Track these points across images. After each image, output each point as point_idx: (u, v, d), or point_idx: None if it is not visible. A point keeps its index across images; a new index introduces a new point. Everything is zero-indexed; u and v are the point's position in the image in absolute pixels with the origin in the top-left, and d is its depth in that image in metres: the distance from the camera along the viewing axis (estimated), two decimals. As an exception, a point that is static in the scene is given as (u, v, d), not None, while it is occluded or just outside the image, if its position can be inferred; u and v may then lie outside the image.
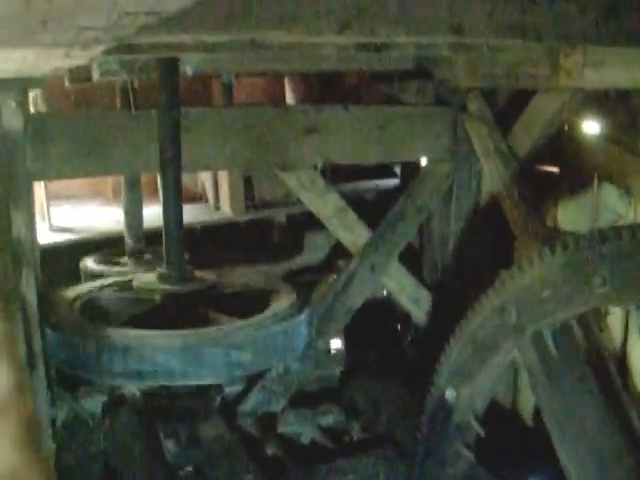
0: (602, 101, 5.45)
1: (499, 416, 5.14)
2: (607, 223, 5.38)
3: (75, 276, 6.54)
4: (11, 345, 1.11)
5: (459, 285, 6.45)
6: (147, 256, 6.72)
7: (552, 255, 4.22)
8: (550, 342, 4.32)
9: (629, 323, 5.35)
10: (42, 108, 7.67)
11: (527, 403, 5.92)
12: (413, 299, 6.76)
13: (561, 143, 5.96)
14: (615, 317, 5.38)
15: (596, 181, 5.55)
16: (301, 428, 6.01)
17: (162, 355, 4.14)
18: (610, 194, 5.49)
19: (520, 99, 5.87)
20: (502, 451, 5.16)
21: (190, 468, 5.09)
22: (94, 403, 5.25)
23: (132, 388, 4.73)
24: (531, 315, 4.38)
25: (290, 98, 10.67)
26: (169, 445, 5.22)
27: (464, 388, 4.85)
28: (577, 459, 4.15)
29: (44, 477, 1.04)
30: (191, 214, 8.53)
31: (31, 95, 6.19)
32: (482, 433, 4.62)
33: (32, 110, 6.54)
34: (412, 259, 6.96)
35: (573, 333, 4.28)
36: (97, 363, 4.18)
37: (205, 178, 10.55)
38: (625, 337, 5.40)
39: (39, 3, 1.52)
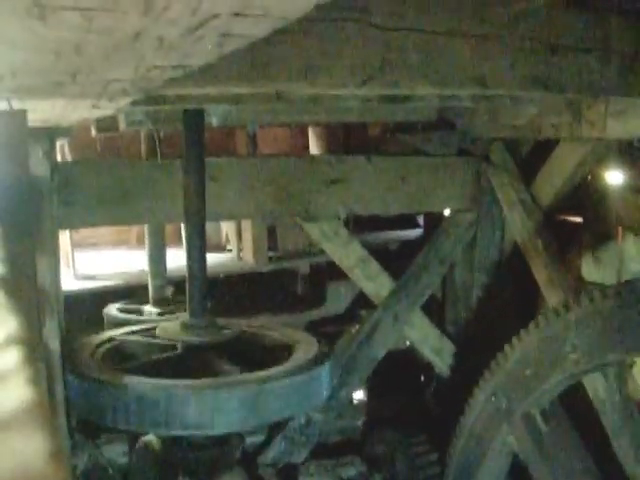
0: (625, 151, 5.46)
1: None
2: (631, 274, 5.36)
3: (98, 323, 6.55)
4: (49, 409, 1.10)
5: (482, 336, 6.40)
6: (171, 305, 6.73)
7: (528, 335, 4.43)
8: (539, 420, 4.46)
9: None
10: (69, 157, 7.77)
11: None
12: (436, 350, 6.71)
13: (584, 193, 5.95)
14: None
15: (620, 232, 5.53)
16: (322, 479, 5.95)
17: (178, 405, 4.11)
18: (634, 245, 5.47)
19: (543, 149, 5.88)
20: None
21: (210, 520, 5.05)
22: (114, 450, 5.23)
23: (151, 437, 4.70)
24: (518, 396, 4.56)
25: (314, 148, 10.75)
26: (190, 495, 5.18)
27: None
28: None
29: None
30: (214, 263, 8.55)
31: (58, 144, 6.29)
32: None
33: (59, 158, 6.64)
34: (435, 310, 6.93)
35: (561, 409, 4.41)
36: (115, 411, 4.17)
37: (228, 227, 10.60)
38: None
39: (69, 56, 1.56)
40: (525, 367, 4.54)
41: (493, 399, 4.76)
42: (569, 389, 4.62)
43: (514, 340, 4.66)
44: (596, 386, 4.16)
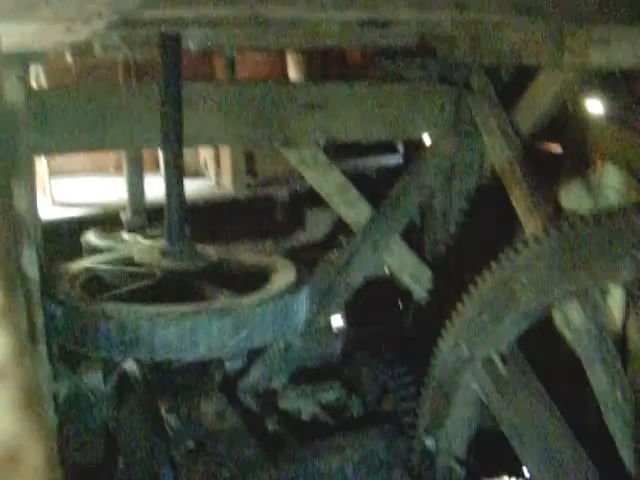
0: (606, 81, 5.43)
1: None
2: (609, 203, 5.40)
3: (77, 251, 6.53)
4: (11, 313, 1.11)
5: (461, 263, 6.45)
6: (149, 231, 6.71)
7: (483, 281, 4.50)
8: (499, 364, 4.55)
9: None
10: (44, 83, 7.64)
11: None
12: (414, 277, 6.76)
13: (565, 122, 5.94)
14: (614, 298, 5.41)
15: (599, 161, 5.54)
16: (301, 404, 6.04)
17: (159, 330, 4.13)
18: (612, 174, 5.48)
19: (524, 77, 5.84)
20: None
21: (191, 443, 5.12)
22: (95, 378, 5.27)
23: (132, 364, 4.74)
24: (478, 342, 4.64)
25: (292, 75, 10.63)
26: (170, 420, 5.25)
27: (440, 434, 5.04)
28: (537, 465, 4.35)
29: (44, 441, 1.04)
30: (192, 189, 8.52)
31: (33, 70, 6.17)
32: (464, 474, 4.71)
33: (34, 85, 6.52)
34: (414, 237, 6.96)
35: (520, 353, 4.53)
36: (96, 337, 4.19)
37: (206, 154, 10.54)
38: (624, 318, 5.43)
39: (40, -23, 1.51)
40: (482, 312, 4.64)
41: (455, 348, 4.86)
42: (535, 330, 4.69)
43: (470, 288, 4.73)
44: (571, 316, 4.21)
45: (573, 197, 5.88)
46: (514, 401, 4.53)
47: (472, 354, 4.72)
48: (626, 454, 3.85)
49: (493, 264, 4.55)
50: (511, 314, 4.44)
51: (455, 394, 4.93)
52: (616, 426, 3.90)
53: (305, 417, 5.98)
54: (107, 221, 7.37)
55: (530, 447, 4.40)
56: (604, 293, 5.07)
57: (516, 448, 4.57)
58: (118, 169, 9.80)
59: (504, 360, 4.59)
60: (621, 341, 5.29)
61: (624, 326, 5.39)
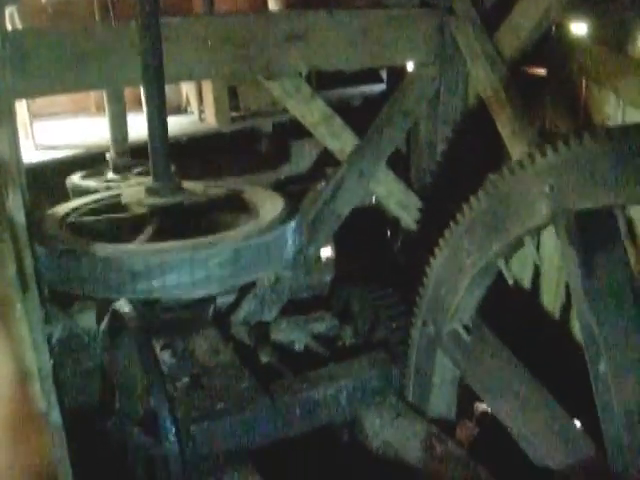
0: (590, 2, 5.37)
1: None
2: (595, 124, 5.40)
3: (62, 194, 6.50)
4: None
5: (447, 190, 6.46)
6: (135, 170, 6.68)
7: (435, 257, 4.55)
8: (464, 334, 4.66)
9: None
10: (19, 25, 7.51)
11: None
12: (402, 205, 6.77)
13: (549, 45, 5.88)
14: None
15: (584, 82, 5.51)
16: (294, 335, 6.09)
17: (150, 268, 4.13)
18: (597, 96, 5.46)
19: (507, 0, 5.77)
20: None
21: (186, 379, 5.18)
22: (88, 319, 5.30)
23: (125, 303, 4.75)
24: (442, 318, 4.76)
25: (273, 5, 10.47)
26: (164, 358, 5.30)
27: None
28: (503, 409, 4.51)
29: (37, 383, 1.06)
30: (176, 126, 8.46)
31: (7, 12, 6.05)
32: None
33: (9, 28, 6.40)
34: (400, 165, 6.95)
35: (483, 324, 4.71)
36: (83, 278, 4.19)
37: (188, 89, 10.43)
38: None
39: None
40: (440, 287, 4.71)
41: (424, 328, 4.94)
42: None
43: (426, 269, 4.80)
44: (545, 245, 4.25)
45: (559, 119, 5.87)
46: (477, 359, 4.67)
47: (438, 331, 4.83)
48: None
49: (441, 240, 4.63)
50: (463, 282, 4.53)
51: (432, 376, 5.07)
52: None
53: (298, 348, 6.04)
54: (92, 162, 7.32)
55: (501, 399, 4.53)
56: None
57: (481, 395, 4.74)
58: (100, 109, 9.69)
59: (468, 329, 4.71)
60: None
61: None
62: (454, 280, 4.60)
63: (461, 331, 4.72)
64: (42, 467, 2.95)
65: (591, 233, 3.68)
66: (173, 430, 4.40)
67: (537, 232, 4.66)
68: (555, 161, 3.69)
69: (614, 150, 3.35)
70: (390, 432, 5.17)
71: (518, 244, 4.37)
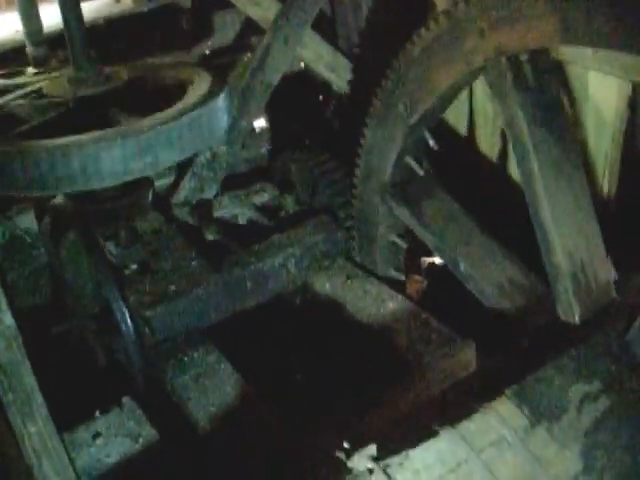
0: None
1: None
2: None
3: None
4: None
5: (375, 48, 6.38)
6: (53, 62, 6.42)
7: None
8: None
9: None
10: None
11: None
12: (331, 67, 6.67)
13: None
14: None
15: None
16: (237, 210, 6.09)
17: (82, 159, 4.02)
18: None
19: None
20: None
21: (135, 266, 5.18)
22: (27, 219, 5.19)
23: (63, 198, 4.66)
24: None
25: None
26: (110, 247, 5.28)
27: None
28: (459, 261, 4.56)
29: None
30: (90, 10, 8.12)
31: None
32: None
33: None
34: (326, 27, 6.81)
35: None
36: (18, 178, 4.07)
37: (98, -34, 9.96)
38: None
39: None
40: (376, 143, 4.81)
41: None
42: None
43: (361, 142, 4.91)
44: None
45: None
46: (432, 205, 4.73)
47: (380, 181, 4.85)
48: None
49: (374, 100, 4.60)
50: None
51: (377, 231, 5.13)
52: None
53: (242, 222, 6.06)
54: (9, 59, 7.02)
55: (451, 242, 4.62)
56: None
57: (428, 242, 4.83)
58: (10, 3, 9.23)
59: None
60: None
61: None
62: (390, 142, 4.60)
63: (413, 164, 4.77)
64: None
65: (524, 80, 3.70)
66: (128, 319, 4.43)
67: (470, 81, 4.63)
68: (484, 3, 3.65)
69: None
70: (341, 293, 5.28)
71: (451, 96, 4.37)
